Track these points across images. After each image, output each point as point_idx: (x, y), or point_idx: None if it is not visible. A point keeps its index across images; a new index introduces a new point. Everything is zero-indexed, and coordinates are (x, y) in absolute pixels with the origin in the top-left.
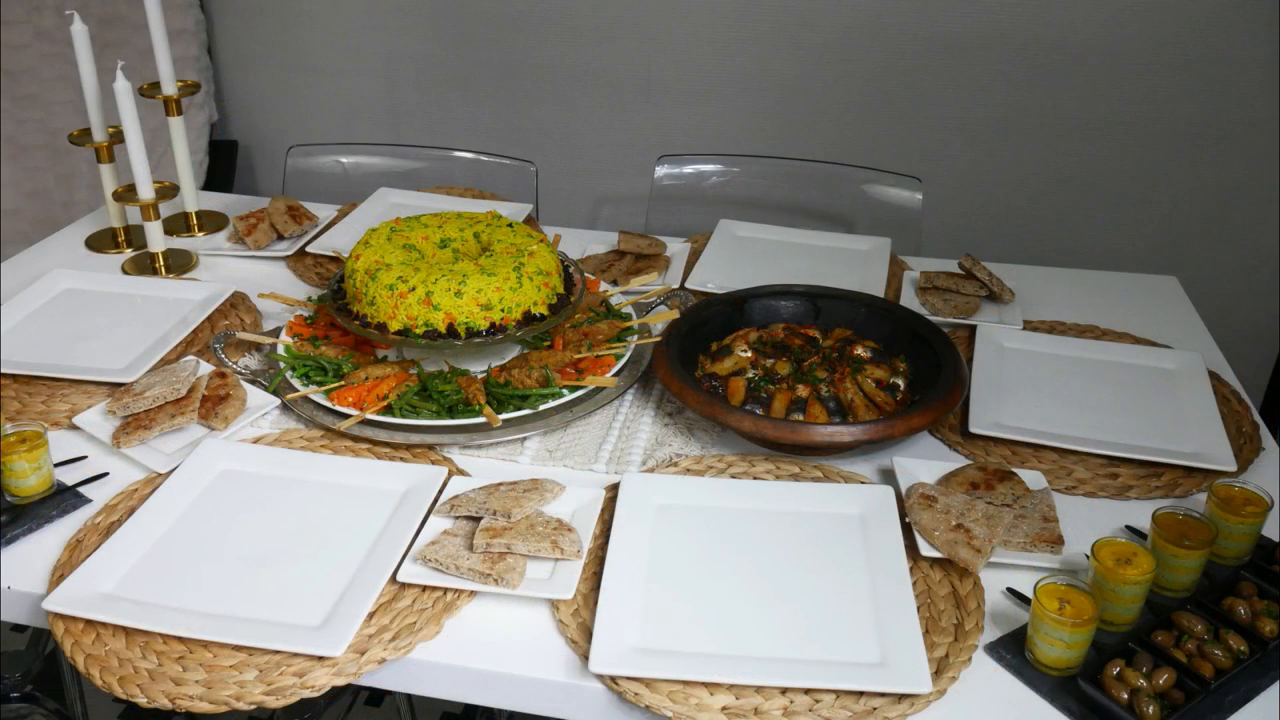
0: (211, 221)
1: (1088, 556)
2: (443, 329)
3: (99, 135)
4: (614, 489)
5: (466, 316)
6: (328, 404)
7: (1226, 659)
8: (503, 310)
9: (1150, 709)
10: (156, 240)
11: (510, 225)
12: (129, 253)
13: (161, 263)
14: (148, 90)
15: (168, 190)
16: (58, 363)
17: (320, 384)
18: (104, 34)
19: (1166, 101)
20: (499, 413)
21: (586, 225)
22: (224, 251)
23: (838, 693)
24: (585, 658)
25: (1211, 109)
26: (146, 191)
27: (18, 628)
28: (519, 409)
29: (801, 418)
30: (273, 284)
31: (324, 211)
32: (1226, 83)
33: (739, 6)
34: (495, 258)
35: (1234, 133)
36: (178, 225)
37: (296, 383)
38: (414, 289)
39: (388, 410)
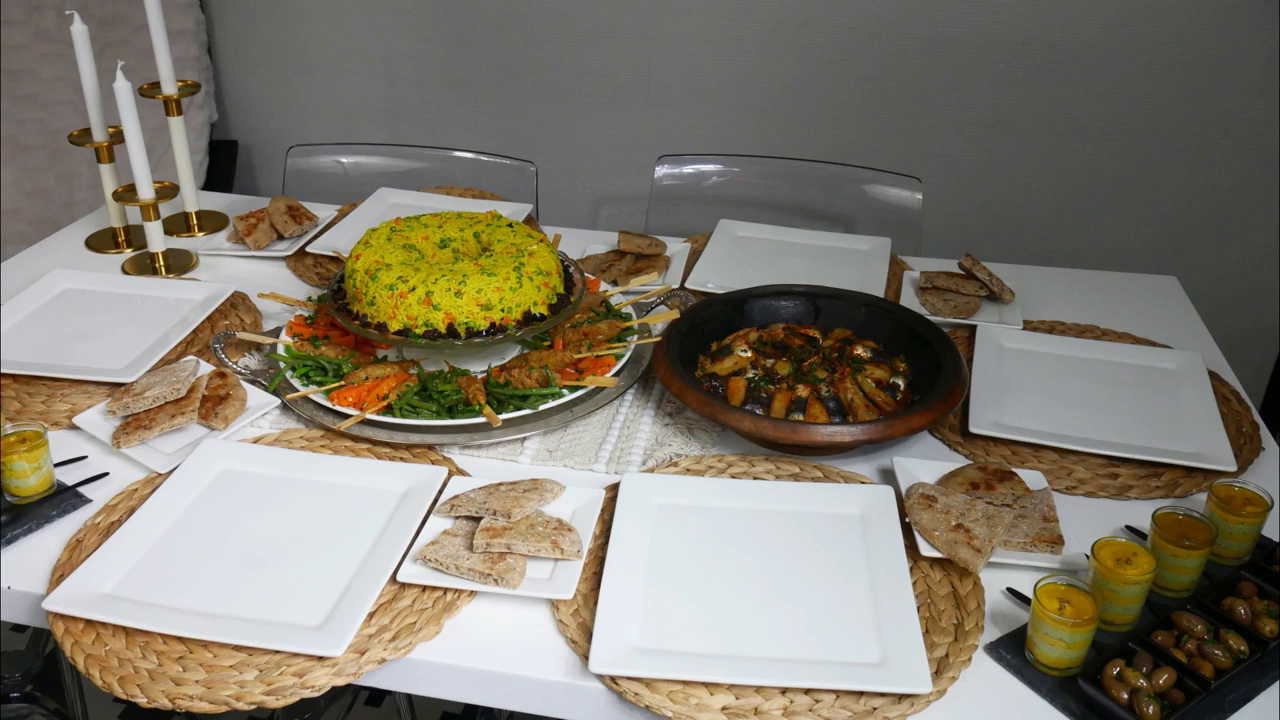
0: (211, 221)
1: (1088, 556)
2: (443, 329)
3: (99, 135)
4: (614, 489)
5: (466, 316)
6: (328, 404)
7: (1226, 659)
8: (503, 310)
9: (1150, 709)
10: (156, 240)
11: (510, 225)
12: (129, 253)
13: (161, 263)
14: (148, 90)
15: (168, 190)
16: (58, 363)
17: (320, 384)
18: (104, 34)
19: (1166, 101)
20: (499, 412)
21: (586, 225)
22: (224, 251)
23: (838, 693)
24: (585, 657)
25: (1211, 109)
26: (146, 191)
27: (18, 628)
28: (519, 409)
29: (801, 418)
30: (273, 284)
31: (324, 211)
32: (1226, 83)
33: (739, 7)
34: (495, 258)
35: (1234, 132)
36: (178, 225)
37: (296, 383)
38: (414, 289)
39: (388, 410)
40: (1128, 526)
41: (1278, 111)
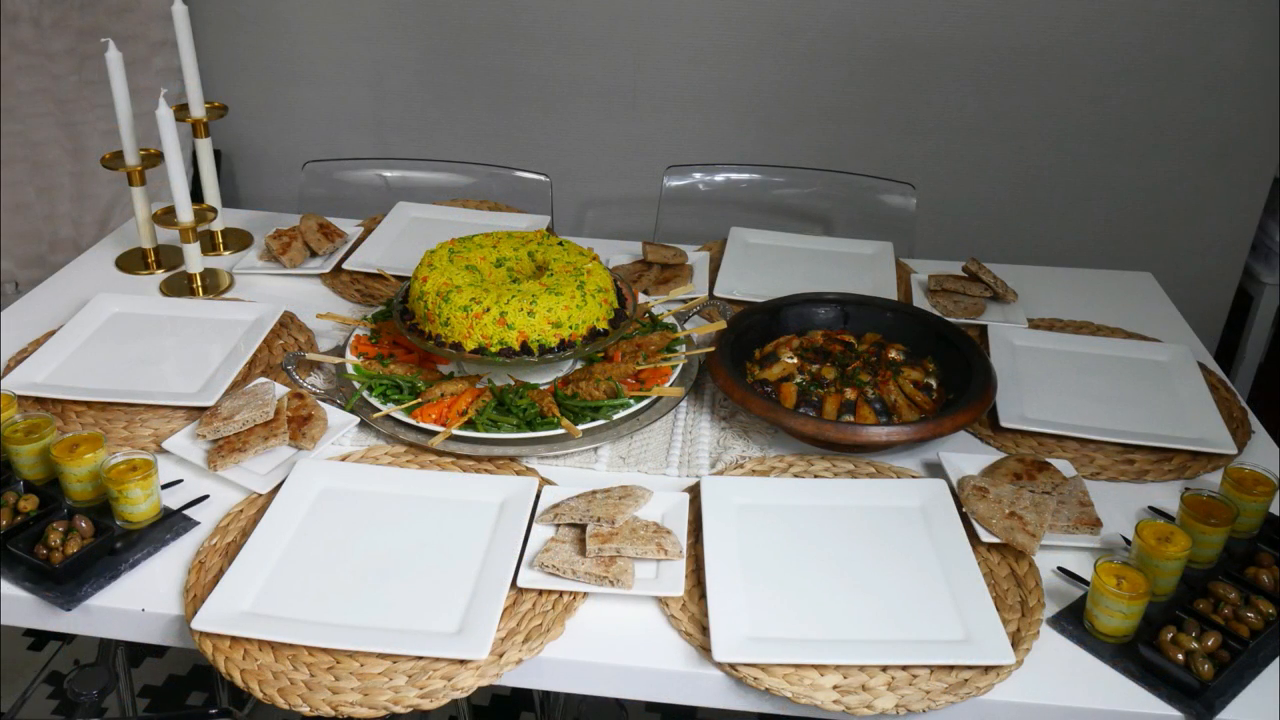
0: (237, 240)
1: (1125, 539)
2: (516, 347)
3: (131, 159)
4: (690, 490)
5: (539, 334)
6: (410, 421)
7: (1258, 620)
8: (570, 327)
9: (1205, 667)
10: (195, 262)
11: (561, 243)
12: (160, 274)
13: (199, 283)
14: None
15: (206, 213)
16: (127, 388)
17: (398, 402)
18: (83, 45)
19: (1150, 101)
20: (574, 424)
21: (574, 233)
22: (258, 270)
23: (932, 668)
24: (702, 648)
25: (1200, 112)
26: (186, 215)
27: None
28: (592, 420)
29: (853, 419)
30: (312, 301)
31: (339, 226)
32: (1209, 85)
33: (728, 16)
34: (557, 276)
35: (1225, 134)
36: (204, 244)
37: (375, 401)
38: (488, 310)
39: (469, 425)
40: (1150, 507)
41: (1277, 115)
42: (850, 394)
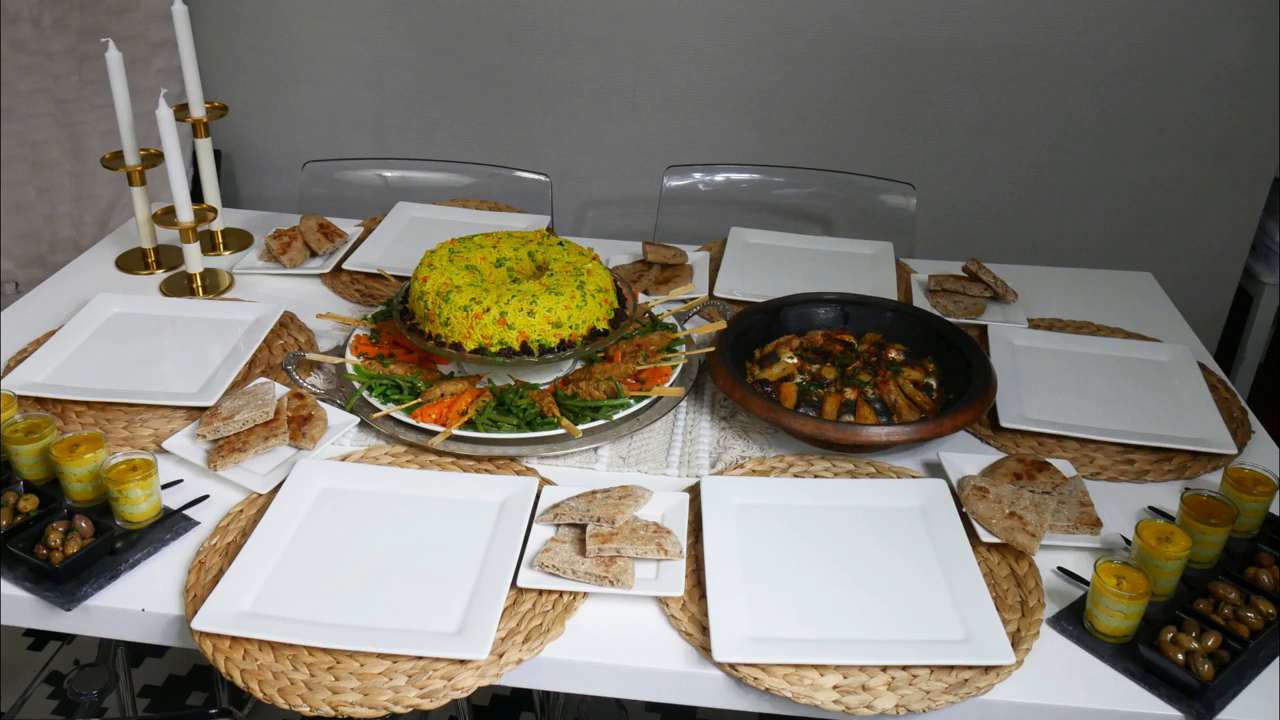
0: (237, 240)
1: (1125, 539)
2: (516, 347)
3: (131, 159)
4: (690, 490)
5: (539, 334)
6: (410, 421)
7: (1258, 620)
8: (570, 327)
9: (1205, 667)
10: (195, 262)
11: (561, 243)
12: (160, 274)
13: (199, 283)
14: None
15: (206, 213)
16: (127, 388)
17: (398, 402)
18: (83, 45)
19: (1150, 101)
20: (574, 424)
21: (574, 233)
22: (259, 270)
23: (932, 668)
24: (702, 648)
25: (1200, 112)
26: (186, 215)
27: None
28: (592, 420)
29: (853, 419)
30: (312, 301)
31: (340, 225)
32: (1209, 85)
33: (727, 16)
34: (557, 276)
35: (1225, 134)
36: (203, 244)
37: (375, 401)
38: (488, 310)
39: (469, 425)
40: (1150, 507)
41: (1277, 116)
42: (850, 394)
